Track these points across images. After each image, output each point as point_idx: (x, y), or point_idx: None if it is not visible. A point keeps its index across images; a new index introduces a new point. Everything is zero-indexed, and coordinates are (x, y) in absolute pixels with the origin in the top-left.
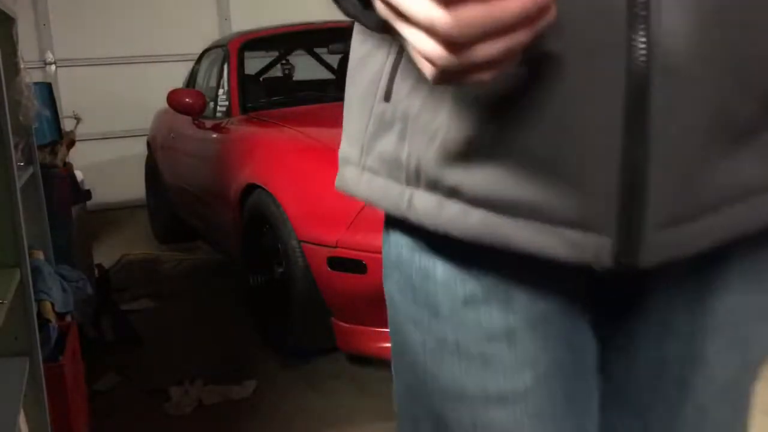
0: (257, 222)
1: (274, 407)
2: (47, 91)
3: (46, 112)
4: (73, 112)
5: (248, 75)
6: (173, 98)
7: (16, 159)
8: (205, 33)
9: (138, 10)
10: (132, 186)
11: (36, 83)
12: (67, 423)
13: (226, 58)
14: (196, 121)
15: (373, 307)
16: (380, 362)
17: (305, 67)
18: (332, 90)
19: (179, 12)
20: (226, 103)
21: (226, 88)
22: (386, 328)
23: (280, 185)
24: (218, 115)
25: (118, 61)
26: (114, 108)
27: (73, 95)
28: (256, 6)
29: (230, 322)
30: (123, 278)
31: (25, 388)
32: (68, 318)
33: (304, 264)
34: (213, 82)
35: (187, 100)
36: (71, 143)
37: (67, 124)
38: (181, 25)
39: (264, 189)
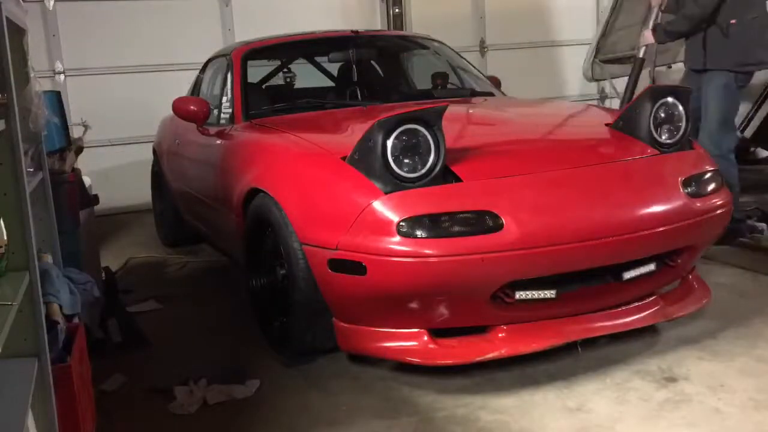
0: (259, 225)
1: (277, 406)
2: (56, 100)
3: (56, 120)
4: (82, 119)
5: (251, 83)
6: (178, 106)
7: (26, 165)
8: (209, 43)
9: (144, 21)
10: (138, 191)
11: (46, 92)
12: (74, 422)
13: (229, 67)
14: (200, 128)
15: (373, 308)
16: (381, 362)
17: (307, 75)
18: (332, 97)
19: (184, 23)
20: (230, 110)
21: (229, 95)
22: (386, 328)
23: (282, 189)
24: (222, 122)
25: (124, 70)
26: (121, 115)
27: (81, 103)
28: (258, 17)
29: (234, 323)
30: (129, 281)
31: (33, 389)
32: (76, 320)
33: (305, 266)
34: (217, 90)
35: (191, 107)
36: (79, 150)
37: (76, 132)
38: (185, 36)
39: (266, 193)
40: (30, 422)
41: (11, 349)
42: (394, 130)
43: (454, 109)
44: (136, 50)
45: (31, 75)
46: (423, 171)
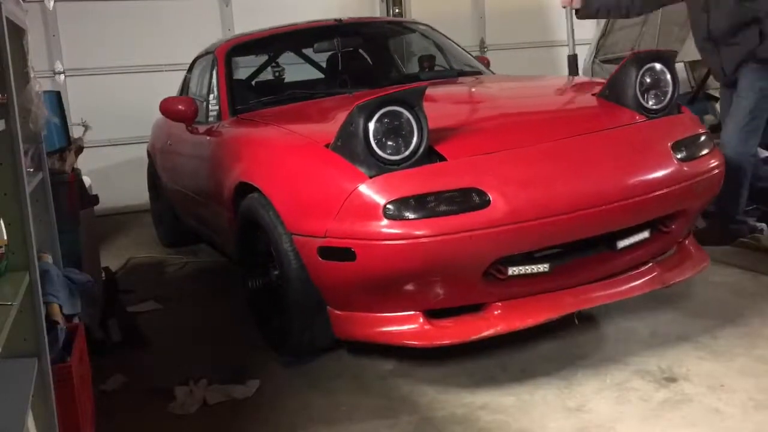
0: (251, 227)
1: (277, 406)
2: (56, 100)
3: (55, 120)
4: (82, 119)
5: (238, 79)
6: (166, 107)
7: (26, 165)
8: (210, 43)
9: (144, 21)
10: (138, 191)
11: (45, 92)
12: (75, 423)
13: (214, 64)
14: (189, 128)
15: (366, 294)
16: (381, 361)
17: (300, 70)
18: (319, 87)
19: (184, 23)
20: (217, 107)
21: (215, 93)
22: (380, 312)
23: (269, 180)
24: (210, 119)
25: (124, 70)
26: (121, 115)
27: (81, 103)
28: (258, 17)
29: (233, 323)
30: (129, 281)
31: (33, 389)
32: (76, 320)
33: (298, 266)
34: (205, 89)
35: (179, 107)
36: (79, 150)
37: (76, 132)
38: (185, 36)
39: (254, 189)
40: (30, 422)
41: (11, 349)
42: (375, 113)
43: (438, 89)
44: (136, 50)
45: (31, 75)
46: (407, 153)
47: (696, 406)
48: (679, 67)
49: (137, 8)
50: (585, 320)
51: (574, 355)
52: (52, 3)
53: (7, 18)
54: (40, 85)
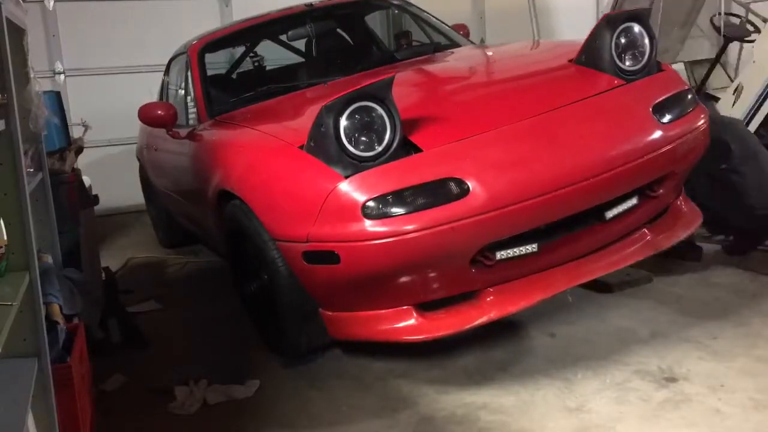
0: (237, 234)
1: (277, 406)
2: (56, 100)
3: (55, 120)
4: (82, 119)
5: (214, 75)
6: (144, 113)
7: (26, 165)
8: None
9: (143, 21)
10: (138, 191)
11: (45, 92)
12: (75, 422)
13: (188, 65)
14: (170, 132)
15: (355, 293)
16: (380, 361)
17: (282, 55)
18: (295, 76)
19: (184, 23)
20: (195, 109)
21: (192, 94)
22: (372, 310)
23: (247, 187)
24: (191, 122)
25: (124, 70)
26: (121, 115)
27: (81, 103)
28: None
29: (233, 323)
30: (129, 281)
31: (33, 389)
32: (76, 320)
33: (286, 272)
34: (182, 90)
35: (158, 112)
36: (79, 150)
37: (76, 132)
38: (186, 36)
39: (236, 201)
40: (30, 422)
41: (11, 349)
42: (344, 112)
43: (411, 72)
44: (136, 50)
45: (31, 75)
46: (380, 148)
47: (696, 406)
48: (679, 67)
49: (137, 8)
50: (584, 320)
51: (574, 355)
52: (52, 3)
53: (7, 18)
54: (40, 85)
